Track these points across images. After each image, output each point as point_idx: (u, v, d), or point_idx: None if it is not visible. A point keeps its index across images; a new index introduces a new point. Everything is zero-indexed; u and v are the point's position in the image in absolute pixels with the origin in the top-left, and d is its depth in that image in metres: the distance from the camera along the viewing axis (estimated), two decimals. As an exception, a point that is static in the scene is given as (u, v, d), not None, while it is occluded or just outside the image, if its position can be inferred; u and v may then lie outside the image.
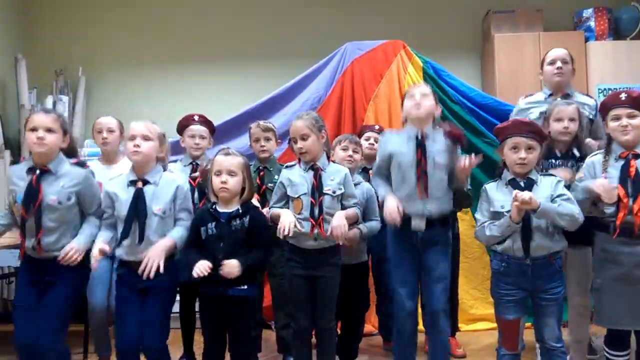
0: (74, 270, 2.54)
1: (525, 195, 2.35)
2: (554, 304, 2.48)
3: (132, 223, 2.54)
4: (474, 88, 4.19)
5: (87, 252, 2.55)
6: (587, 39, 5.02)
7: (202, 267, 2.41)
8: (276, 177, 3.01)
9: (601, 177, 2.55)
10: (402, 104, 2.82)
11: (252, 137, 3.34)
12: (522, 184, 2.50)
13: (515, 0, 5.16)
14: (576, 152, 2.88)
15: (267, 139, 3.28)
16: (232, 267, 2.43)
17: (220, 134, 3.73)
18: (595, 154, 2.67)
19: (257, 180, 3.20)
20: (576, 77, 3.54)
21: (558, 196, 2.46)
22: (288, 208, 2.72)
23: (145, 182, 2.59)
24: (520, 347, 2.54)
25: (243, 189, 2.58)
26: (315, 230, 2.65)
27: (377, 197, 2.88)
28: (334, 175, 2.73)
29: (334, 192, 2.70)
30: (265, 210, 2.83)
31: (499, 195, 2.53)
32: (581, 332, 2.98)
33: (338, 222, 2.63)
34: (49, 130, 2.53)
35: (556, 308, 2.49)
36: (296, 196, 2.70)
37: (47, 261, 2.54)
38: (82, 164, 2.67)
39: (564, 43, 4.82)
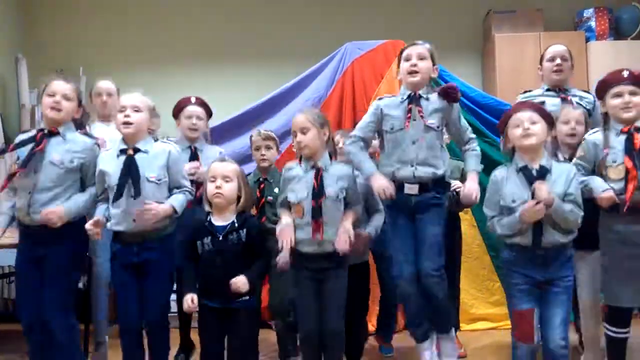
0: (68, 241, 2.54)
1: (544, 194, 2.28)
2: (563, 293, 2.39)
3: (124, 187, 2.49)
4: (475, 88, 4.18)
5: (83, 222, 2.52)
6: (587, 39, 5.02)
7: (189, 303, 2.44)
8: (276, 189, 2.97)
9: (603, 153, 2.52)
10: (398, 63, 2.71)
11: (252, 145, 3.27)
12: (534, 172, 2.38)
13: (515, 0, 5.16)
14: None
15: (268, 147, 3.20)
16: (241, 284, 2.41)
17: (220, 133, 3.74)
18: (594, 132, 2.62)
19: (257, 193, 3.12)
20: (577, 77, 3.54)
21: (568, 195, 2.38)
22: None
23: (136, 150, 2.55)
24: (536, 339, 2.41)
25: (239, 198, 2.54)
26: (317, 236, 2.53)
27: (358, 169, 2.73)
28: (338, 176, 2.61)
29: (337, 197, 2.57)
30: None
31: (510, 187, 2.43)
32: (593, 330, 2.91)
33: (344, 236, 2.50)
34: (66, 97, 2.56)
35: (565, 299, 2.40)
36: (296, 202, 2.58)
37: (40, 231, 2.52)
38: (90, 135, 2.69)
39: (564, 43, 4.88)
